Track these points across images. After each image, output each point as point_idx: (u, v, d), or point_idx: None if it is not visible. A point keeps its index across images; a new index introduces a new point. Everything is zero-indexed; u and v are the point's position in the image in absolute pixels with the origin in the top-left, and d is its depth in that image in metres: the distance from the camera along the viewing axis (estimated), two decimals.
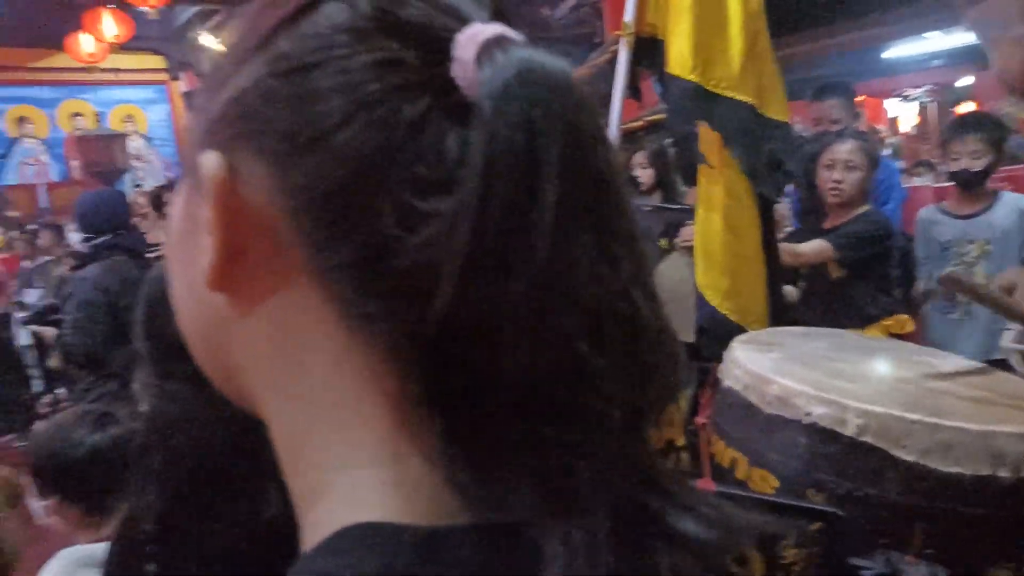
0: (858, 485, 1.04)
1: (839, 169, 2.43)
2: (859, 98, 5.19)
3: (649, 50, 2.14)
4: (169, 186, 4.61)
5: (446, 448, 0.28)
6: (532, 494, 0.26)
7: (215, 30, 9.77)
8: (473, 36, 0.27)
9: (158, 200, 4.16)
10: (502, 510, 0.27)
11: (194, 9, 9.20)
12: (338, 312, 0.29)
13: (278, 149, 0.28)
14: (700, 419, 1.37)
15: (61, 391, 5.07)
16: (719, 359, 1.38)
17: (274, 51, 0.28)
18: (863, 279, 2.42)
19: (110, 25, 7.33)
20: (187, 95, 10.22)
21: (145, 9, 6.41)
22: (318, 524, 0.29)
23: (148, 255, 3.08)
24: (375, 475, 0.29)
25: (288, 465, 0.32)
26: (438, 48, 0.27)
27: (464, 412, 0.28)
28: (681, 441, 1.32)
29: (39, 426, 2.53)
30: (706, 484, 1.14)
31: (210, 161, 0.29)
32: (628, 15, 2.13)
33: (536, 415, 0.26)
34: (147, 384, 0.78)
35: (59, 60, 9.09)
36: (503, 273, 0.25)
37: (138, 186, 6.19)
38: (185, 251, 0.32)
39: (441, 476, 0.28)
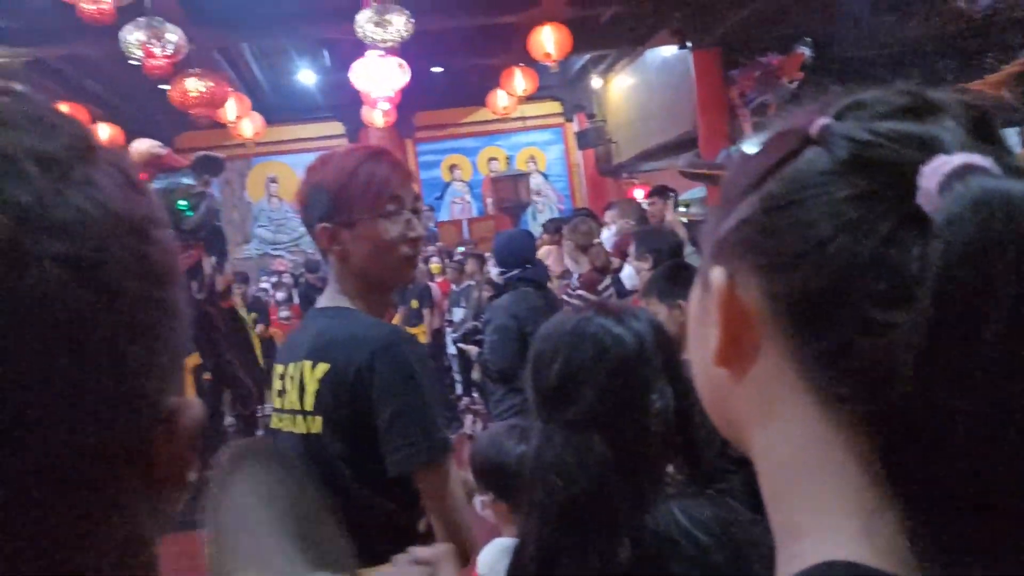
0: None
1: None
2: None
3: None
4: (562, 222, 5.24)
5: (908, 516, 0.32)
6: None
7: (604, 73, 10.61)
8: (936, 168, 0.30)
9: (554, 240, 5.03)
10: None
11: (587, 56, 10.12)
12: (810, 388, 0.34)
13: (766, 266, 0.35)
14: None
15: (475, 396, 6.01)
16: None
17: (765, 191, 0.36)
18: None
19: (520, 81, 8.50)
20: (579, 135, 11.29)
21: (547, 64, 7.29)
22: (797, 556, 0.34)
23: (549, 286, 3.53)
24: (848, 523, 0.33)
25: (770, 503, 0.38)
26: (905, 181, 0.31)
27: (921, 496, 0.31)
28: None
29: (479, 435, 3.04)
30: None
31: (717, 274, 0.37)
32: None
33: (989, 517, 0.29)
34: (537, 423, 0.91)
35: (480, 115, 10.85)
36: (952, 384, 0.28)
37: (543, 227, 7.09)
38: (700, 336, 0.41)
39: (905, 536, 0.31)
